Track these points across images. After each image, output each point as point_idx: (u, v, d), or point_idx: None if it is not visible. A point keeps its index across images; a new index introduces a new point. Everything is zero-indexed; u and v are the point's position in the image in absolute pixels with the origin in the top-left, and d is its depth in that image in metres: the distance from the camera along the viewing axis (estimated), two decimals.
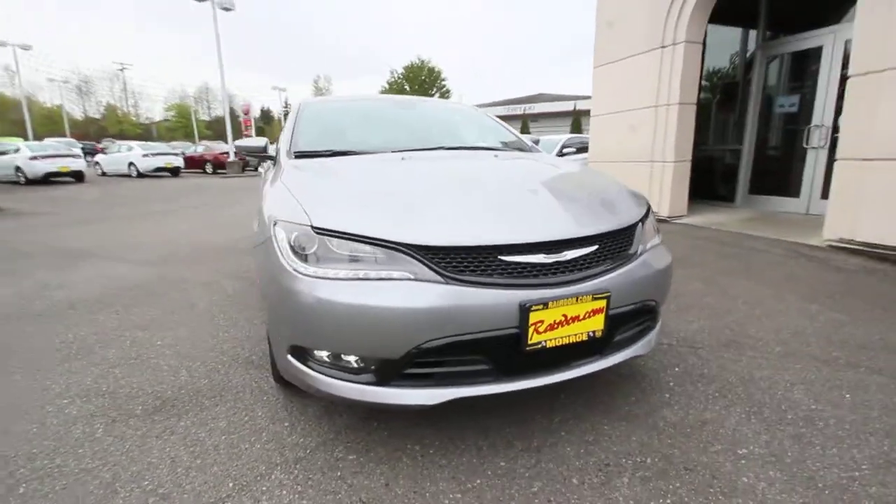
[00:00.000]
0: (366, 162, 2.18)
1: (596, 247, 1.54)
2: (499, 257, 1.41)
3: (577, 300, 1.42)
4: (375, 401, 1.43)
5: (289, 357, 1.60)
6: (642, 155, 6.34)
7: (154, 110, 66.01)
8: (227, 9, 18.79)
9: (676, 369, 2.16)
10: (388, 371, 1.42)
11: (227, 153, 21.09)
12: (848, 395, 1.91)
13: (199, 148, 23.00)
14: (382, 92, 28.85)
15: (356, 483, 1.48)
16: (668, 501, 1.37)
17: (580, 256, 1.49)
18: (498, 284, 1.39)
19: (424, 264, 1.38)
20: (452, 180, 1.88)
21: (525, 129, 26.26)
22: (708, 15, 5.65)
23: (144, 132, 51.67)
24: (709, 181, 6.98)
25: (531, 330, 1.38)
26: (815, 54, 5.57)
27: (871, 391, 1.94)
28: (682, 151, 6.05)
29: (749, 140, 6.50)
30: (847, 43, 5.17)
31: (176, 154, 19.58)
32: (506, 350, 1.42)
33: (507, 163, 2.32)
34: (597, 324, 1.48)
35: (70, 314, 3.06)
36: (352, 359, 1.47)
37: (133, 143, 19.94)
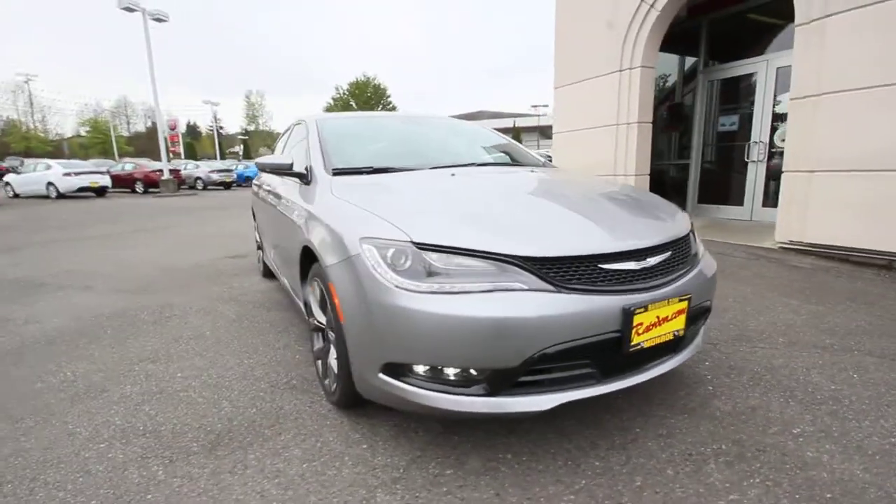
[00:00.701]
0: (419, 178, 2.20)
1: (670, 252, 1.68)
2: (598, 266, 1.50)
3: (668, 302, 1.55)
4: (488, 411, 1.46)
5: (380, 375, 1.58)
6: (605, 169, 6.78)
7: (65, 126, 60.38)
8: (160, 20, 17.74)
9: (707, 363, 2.36)
10: (501, 381, 1.45)
11: (160, 171, 19.72)
12: (855, 375, 2.19)
13: (127, 165, 21.28)
14: (328, 108, 28.48)
15: (466, 496, 1.48)
16: (757, 480, 1.51)
17: (661, 262, 1.62)
18: (602, 291, 1.47)
19: (535, 275, 1.44)
20: (518, 194, 1.96)
21: None
22: (659, 44, 6.23)
23: (55, 149, 46.88)
24: (662, 193, 7.55)
25: (633, 332, 1.48)
26: (750, 79, 6.31)
27: (870, 370, 2.24)
28: (642, 166, 6.56)
29: (696, 155, 7.17)
30: (778, 70, 5.92)
31: (102, 172, 17.97)
32: (608, 353, 1.51)
33: (551, 177, 2.44)
34: (680, 324, 1.61)
35: (54, 350, 2.75)
36: (456, 371, 1.49)
37: (51, 162, 18.10)
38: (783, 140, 5.93)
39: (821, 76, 4.32)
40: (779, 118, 5.97)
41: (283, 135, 3.96)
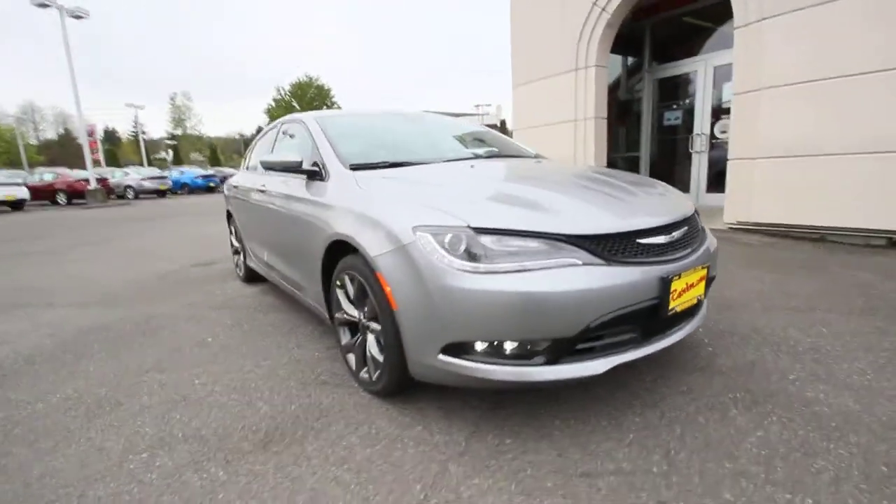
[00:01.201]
0: (442, 170, 2.28)
1: (687, 227, 1.88)
2: (637, 240, 1.67)
3: (694, 270, 1.74)
4: (550, 378, 1.57)
5: (441, 356, 1.65)
6: (566, 162, 7.14)
7: None
8: (78, 17, 16.28)
9: (701, 329, 2.62)
10: (560, 350, 1.57)
11: (85, 180, 18.15)
12: (824, 329, 2.54)
13: (46, 175, 19.37)
14: (269, 110, 27.43)
15: (532, 459, 1.59)
16: (774, 418, 1.74)
17: (682, 235, 1.82)
18: (643, 262, 1.64)
19: (586, 251, 1.58)
20: (542, 181, 2.10)
21: None
22: (610, 45, 6.65)
23: None
24: None
25: (670, 298, 1.66)
26: (691, 77, 6.90)
27: (834, 324, 2.59)
28: (600, 158, 6.98)
29: (645, 147, 7.72)
30: (716, 68, 6.52)
31: (17, 184, 16.26)
32: (647, 318, 1.67)
33: (557, 166, 2.60)
34: (701, 289, 1.82)
35: (40, 370, 2.55)
36: (516, 344, 1.59)
37: None
38: (723, 132, 6.56)
39: (760, 73, 4.85)
40: (718, 112, 6.59)
41: (264, 135, 3.86)
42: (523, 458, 1.60)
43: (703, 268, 1.79)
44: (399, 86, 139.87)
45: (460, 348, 1.62)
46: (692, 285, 1.76)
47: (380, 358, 1.93)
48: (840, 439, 1.60)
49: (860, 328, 2.51)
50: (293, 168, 2.49)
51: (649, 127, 7.62)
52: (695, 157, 6.99)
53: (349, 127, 2.84)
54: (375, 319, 1.91)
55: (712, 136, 6.69)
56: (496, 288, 1.51)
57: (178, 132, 64.11)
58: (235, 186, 3.99)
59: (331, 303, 2.33)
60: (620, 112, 7.91)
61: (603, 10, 6.30)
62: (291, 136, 3.12)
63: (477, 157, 2.65)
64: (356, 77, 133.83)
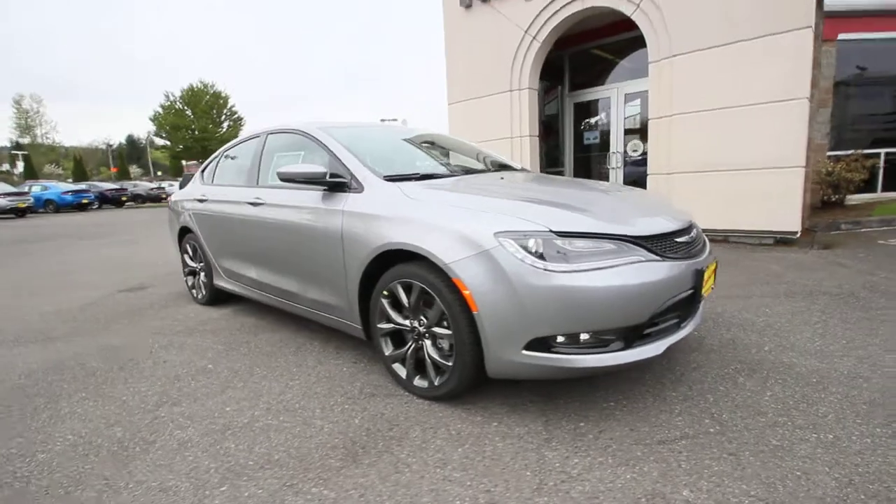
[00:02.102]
0: (479, 181, 2.42)
1: (695, 230, 2.26)
2: (675, 239, 1.99)
3: (710, 264, 2.11)
4: (628, 361, 1.79)
5: (524, 352, 1.79)
6: None
7: None
8: None
9: None
10: (632, 335, 1.81)
11: None
12: (767, 310, 3.13)
13: None
14: (155, 117, 24.74)
15: (611, 436, 1.79)
16: (773, 381, 2.15)
17: (696, 235, 2.19)
18: (683, 258, 1.95)
19: (646, 249, 1.84)
20: (574, 191, 2.35)
21: None
22: (539, 71, 7.32)
23: None
24: None
25: (702, 287, 2.00)
26: (606, 102, 7.84)
27: (773, 307, 3.21)
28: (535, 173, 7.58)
29: (568, 164, 8.54)
30: (626, 95, 7.50)
31: None
32: (686, 304, 1.99)
33: (566, 178, 2.87)
34: (713, 280, 2.19)
35: (12, 420, 2.15)
36: (593, 334, 1.79)
37: None
38: (634, 150, 7.55)
39: (672, 101, 5.74)
40: (630, 133, 7.57)
41: (236, 147, 3.65)
42: (602, 436, 1.80)
43: (714, 262, 2.17)
44: (297, 98, 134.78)
45: (543, 343, 1.78)
46: (709, 277, 2.12)
47: (447, 362, 2.00)
48: (825, 389, 2.06)
49: (792, 308, 3.16)
50: (317, 180, 2.44)
51: (571, 146, 8.46)
52: (612, 173, 7.91)
53: (360, 140, 2.84)
54: (441, 324, 1.99)
55: (626, 154, 7.67)
56: (580, 284, 1.70)
57: (26, 140, 54.71)
58: (200, 200, 3.68)
59: (368, 316, 2.33)
60: (546, 132, 8.67)
61: (534, 38, 6.93)
62: (289, 148, 3.02)
63: (488, 171, 2.83)
64: (254, 88, 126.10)
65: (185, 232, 4.04)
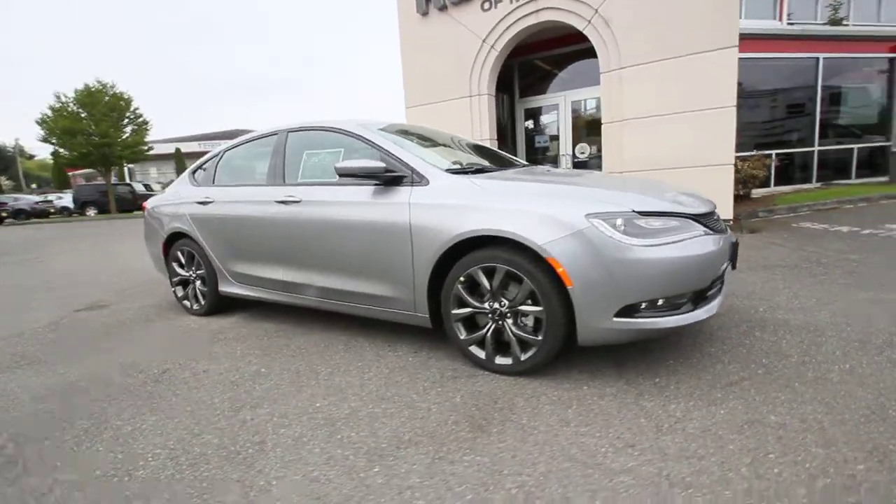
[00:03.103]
0: (531, 173, 2.64)
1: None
2: (713, 218, 2.35)
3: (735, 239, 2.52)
4: (696, 320, 2.09)
5: (615, 319, 2.03)
6: None
7: None
8: None
9: None
10: (698, 298, 2.12)
11: None
12: (749, 281, 3.70)
13: None
14: (44, 120, 21.61)
15: (688, 385, 2.08)
16: (785, 332, 2.61)
17: (718, 215, 2.59)
18: (723, 231, 2.33)
19: (703, 225, 2.18)
20: (620, 180, 2.65)
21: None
22: (496, 78, 7.73)
23: None
24: None
25: (736, 257, 2.39)
26: (554, 107, 8.47)
27: (751, 279, 3.80)
28: None
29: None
30: (572, 102, 8.17)
31: None
32: (722, 276, 2.36)
33: (593, 172, 3.17)
34: (734, 256, 2.61)
35: (69, 443, 1.94)
36: (668, 298, 2.08)
37: None
38: (583, 153, 8.24)
39: (621, 108, 6.41)
40: (577, 136, 8.25)
41: (244, 145, 3.51)
42: (681, 386, 2.09)
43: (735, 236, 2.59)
44: (203, 103, 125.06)
45: (631, 309, 2.03)
46: None
47: (535, 337, 2.17)
48: (822, 335, 2.54)
49: (760, 278, 3.76)
50: (376, 174, 2.49)
51: (523, 148, 8.99)
52: None
53: (406, 136, 2.92)
54: (526, 303, 2.16)
55: (574, 155, 8.34)
56: (660, 256, 1.98)
57: None
58: (203, 202, 3.47)
59: (439, 304, 2.43)
60: (500, 135, 9.12)
61: (492, 47, 7.32)
62: (321, 146, 3.00)
63: (521, 164, 3.07)
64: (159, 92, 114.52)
65: (174, 238, 3.76)
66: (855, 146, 10.33)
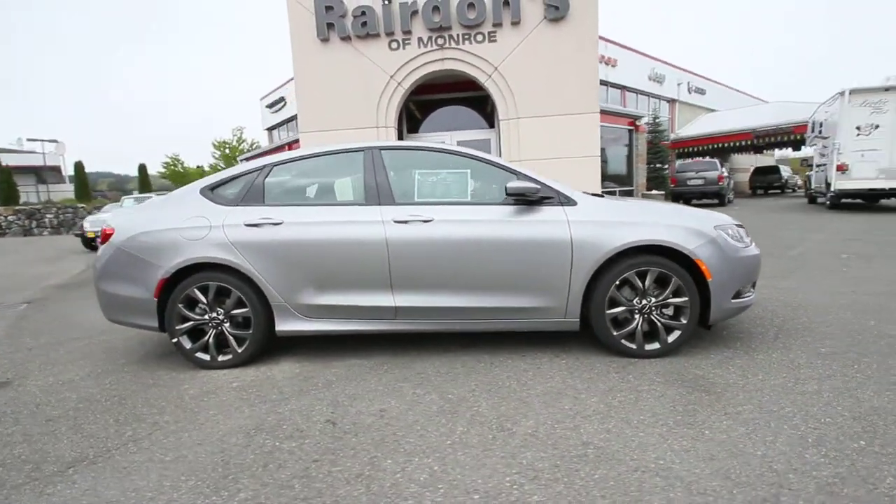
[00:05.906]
0: (613, 197, 3.26)
1: None
2: None
3: None
4: (754, 301, 3.06)
5: (732, 300, 2.84)
6: None
7: None
8: None
9: None
10: (754, 285, 3.11)
11: None
12: None
13: None
14: None
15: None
16: (804, 313, 3.90)
17: None
18: None
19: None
20: (638, 203, 3.52)
21: None
22: (400, 112, 8.12)
23: None
24: None
25: None
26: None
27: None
28: None
29: None
30: (458, 142, 9.17)
31: None
32: None
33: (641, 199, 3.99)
34: None
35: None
36: (750, 284, 2.99)
37: None
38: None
39: (520, 149, 7.68)
40: None
41: (320, 160, 3.11)
42: (781, 356, 3.01)
43: None
44: None
45: (738, 293, 2.87)
46: None
47: (680, 321, 2.78)
48: (838, 316, 3.92)
49: None
50: (532, 195, 2.75)
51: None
52: None
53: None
54: (677, 295, 2.77)
55: None
56: (751, 254, 2.90)
57: None
58: (259, 225, 2.85)
59: (593, 307, 2.81)
60: None
61: (399, 84, 7.73)
62: (436, 166, 3.01)
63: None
64: None
65: (185, 273, 2.90)
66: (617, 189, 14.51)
